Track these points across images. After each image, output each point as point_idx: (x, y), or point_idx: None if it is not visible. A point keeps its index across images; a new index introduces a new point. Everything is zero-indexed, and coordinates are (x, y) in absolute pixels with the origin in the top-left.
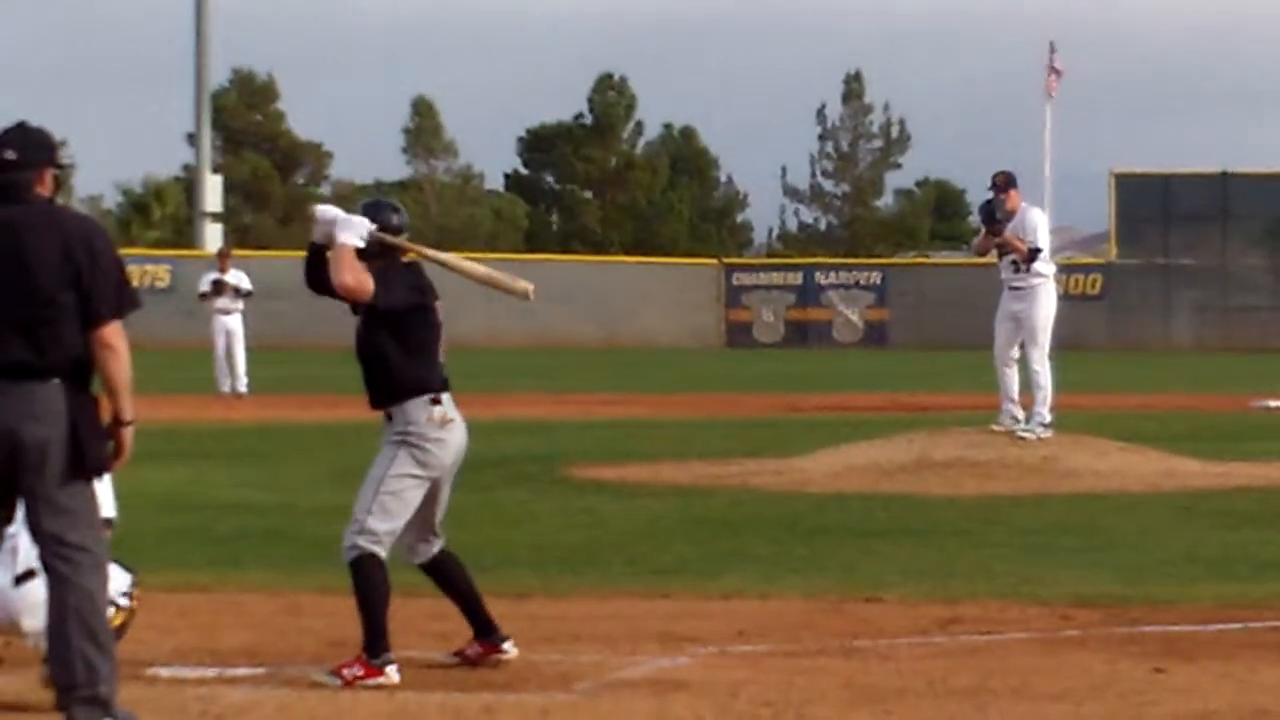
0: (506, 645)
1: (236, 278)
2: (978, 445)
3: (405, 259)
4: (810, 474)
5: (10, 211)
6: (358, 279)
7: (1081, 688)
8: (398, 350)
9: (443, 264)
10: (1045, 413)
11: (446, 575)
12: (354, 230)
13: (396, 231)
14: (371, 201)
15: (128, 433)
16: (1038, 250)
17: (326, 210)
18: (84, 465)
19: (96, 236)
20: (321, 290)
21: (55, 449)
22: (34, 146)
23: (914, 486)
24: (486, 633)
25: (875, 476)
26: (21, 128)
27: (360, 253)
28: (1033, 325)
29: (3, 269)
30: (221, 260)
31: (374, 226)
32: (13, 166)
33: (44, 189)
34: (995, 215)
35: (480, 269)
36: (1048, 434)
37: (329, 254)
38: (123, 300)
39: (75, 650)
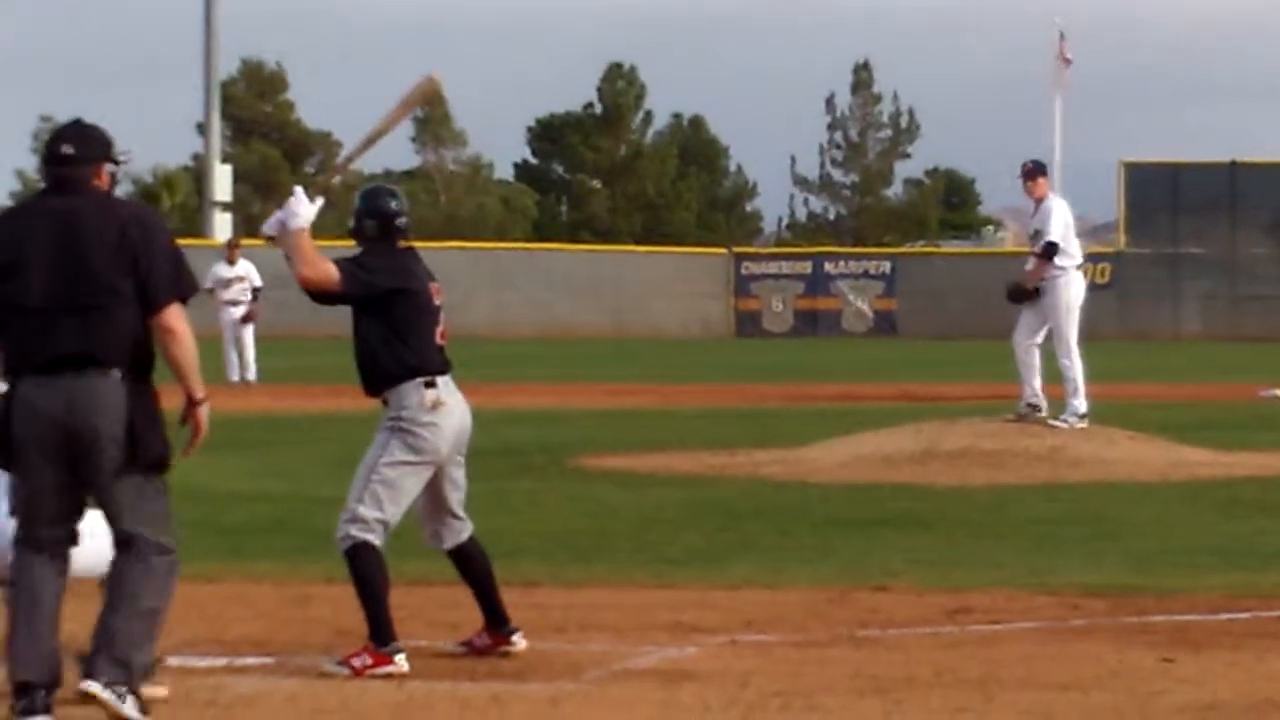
0: (515, 637)
1: (245, 270)
2: (986, 435)
3: (399, 222)
4: (819, 464)
5: (68, 201)
6: (314, 268)
7: (1089, 677)
8: (384, 335)
9: (366, 146)
10: (1078, 403)
11: (470, 564)
12: (295, 209)
13: (394, 217)
14: (369, 189)
15: (202, 412)
16: (1053, 245)
17: (271, 222)
18: (141, 459)
19: (152, 223)
20: (308, 291)
21: (111, 442)
22: (91, 142)
23: (922, 476)
24: (497, 623)
25: (883, 466)
26: (79, 124)
27: (359, 238)
28: (1056, 318)
29: (62, 256)
30: (230, 251)
31: (300, 188)
32: (71, 161)
33: (101, 183)
34: (1022, 293)
35: (391, 112)
36: (1082, 424)
37: (285, 253)
38: (182, 283)
39: (121, 624)
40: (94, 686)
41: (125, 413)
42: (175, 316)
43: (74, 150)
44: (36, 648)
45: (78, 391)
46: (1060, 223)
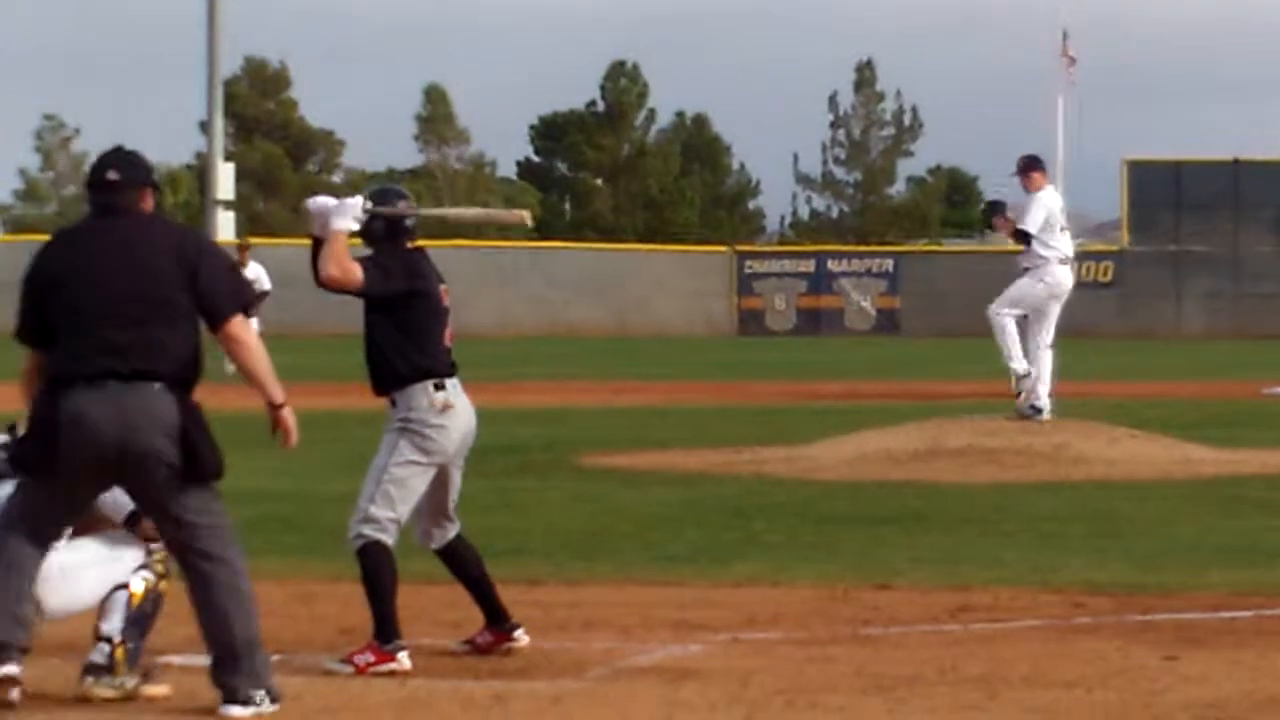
0: (518, 634)
1: (256, 273)
2: (989, 433)
3: (407, 222)
4: (822, 461)
5: (119, 222)
6: (343, 269)
7: (1093, 675)
8: (397, 336)
9: (441, 218)
10: (1034, 398)
11: (460, 562)
12: (347, 213)
13: (402, 218)
14: (378, 188)
15: (285, 414)
16: (1023, 233)
17: (319, 201)
18: (197, 472)
19: (207, 241)
20: (328, 287)
21: (164, 455)
22: (135, 167)
23: (925, 474)
24: (498, 620)
25: (887, 464)
26: (120, 151)
27: (367, 238)
28: (1031, 304)
29: (116, 271)
30: (241, 252)
31: (368, 204)
32: (117, 186)
33: (146, 206)
34: (991, 218)
35: (476, 211)
36: (1037, 418)
37: (323, 246)
38: (241, 294)
39: (235, 631)
40: (235, 710)
41: (178, 425)
42: (241, 327)
43: (119, 176)
44: (9, 609)
45: (130, 404)
46: (1039, 213)
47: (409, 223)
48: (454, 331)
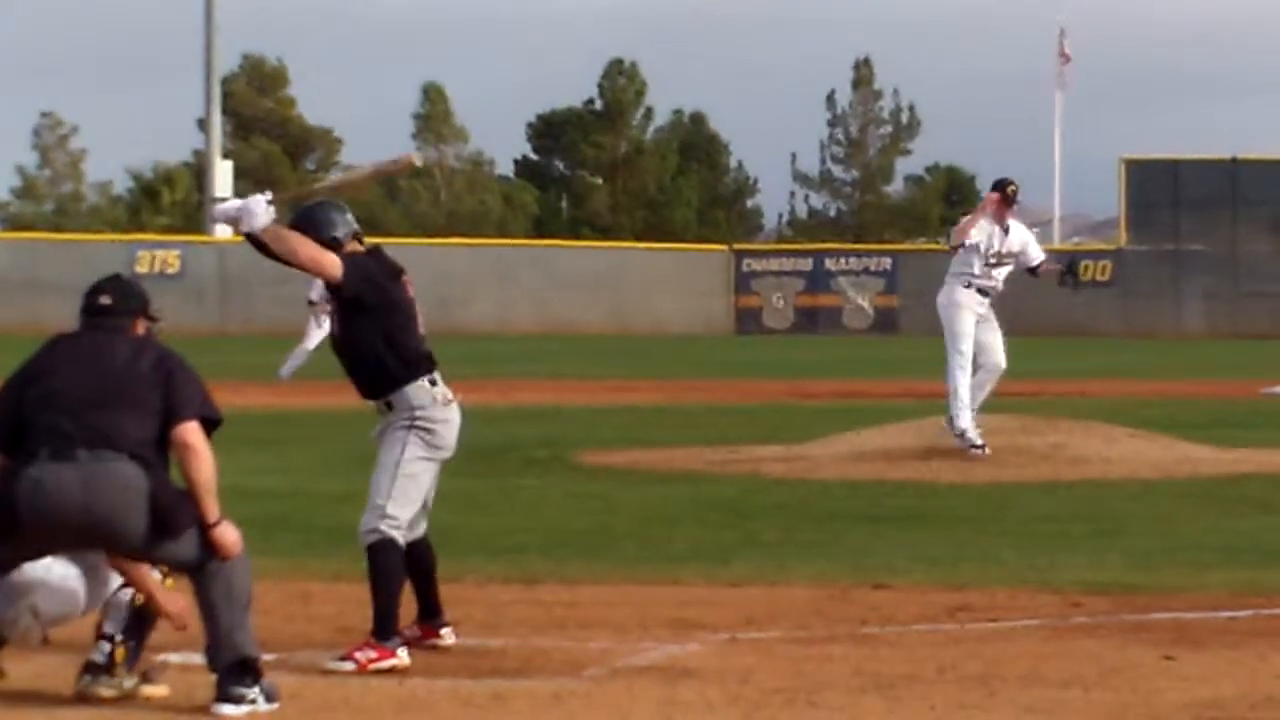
0: (445, 631)
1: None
2: (988, 432)
3: (312, 200)
4: (820, 460)
5: (105, 335)
6: (316, 251)
7: (1091, 675)
8: (382, 340)
9: (335, 190)
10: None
11: (418, 557)
12: (257, 210)
13: (338, 238)
14: (315, 203)
15: (219, 532)
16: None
17: (223, 209)
18: (171, 531)
19: (184, 359)
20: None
21: (131, 523)
22: (129, 296)
23: (923, 473)
24: (431, 616)
25: (885, 463)
26: (118, 279)
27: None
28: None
29: (93, 366)
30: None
31: (267, 196)
32: (108, 312)
33: (136, 333)
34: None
35: (363, 170)
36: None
37: (263, 241)
38: (207, 406)
39: (228, 629)
40: (227, 709)
41: (146, 490)
42: (196, 434)
43: (111, 301)
44: None
45: (94, 470)
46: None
47: (339, 233)
48: (448, 329)
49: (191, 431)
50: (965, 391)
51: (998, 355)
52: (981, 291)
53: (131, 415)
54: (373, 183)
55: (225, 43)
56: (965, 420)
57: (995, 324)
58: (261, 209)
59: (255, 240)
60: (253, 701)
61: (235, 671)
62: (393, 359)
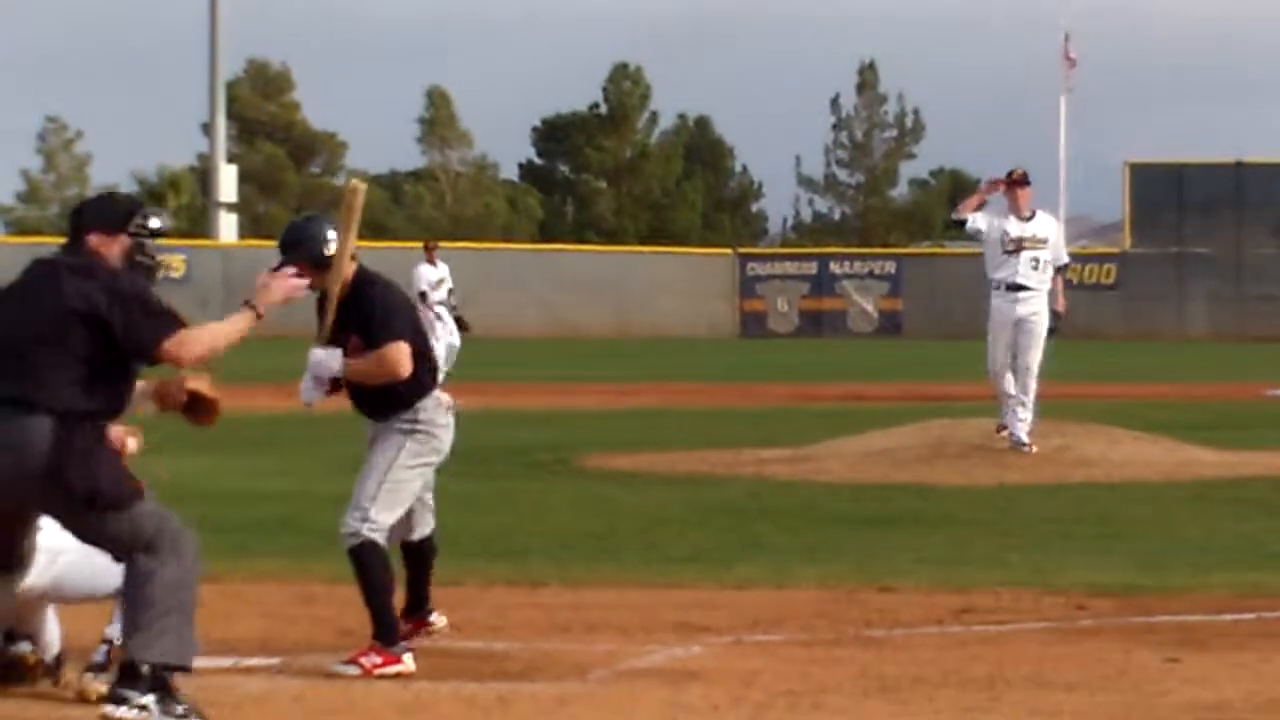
0: (434, 617)
1: (442, 272)
2: (992, 435)
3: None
4: (824, 463)
5: (49, 268)
6: (393, 372)
7: (1095, 677)
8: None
9: (343, 253)
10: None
11: (418, 558)
12: (328, 365)
13: (323, 260)
14: (305, 218)
15: (263, 296)
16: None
17: (309, 387)
18: (79, 501)
19: (132, 282)
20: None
21: (41, 483)
22: (91, 208)
23: (928, 476)
24: (417, 609)
25: (889, 466)
26: (105, 193)
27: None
28: (1039, 330)
29: (24, 305)
30: (429, 252)
31: (318, 347)
32: (71, 232)
33: (102, 250)
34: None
35: (345, 224)
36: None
37: (348, 379)
38: (159, 321)
39: (127, 630)
40: (107, 708)
41: (46, 454)
42: (170, 353)
43: (75, 219)
44: None
45: (4, 431)
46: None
47: (330, 251)
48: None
49: (166, 355)
50: (1006, 389)
51: (1025, 357)
52: (1012, 288)
53: (58, 363)
54: (357, 225)
55: (229, 47)
56: (1007, 418)
57: (1035, 328)
58: (324, 356)
59: (346, 383)
60: (141, 707)
61: (126, 674)
62: (412, 383)
